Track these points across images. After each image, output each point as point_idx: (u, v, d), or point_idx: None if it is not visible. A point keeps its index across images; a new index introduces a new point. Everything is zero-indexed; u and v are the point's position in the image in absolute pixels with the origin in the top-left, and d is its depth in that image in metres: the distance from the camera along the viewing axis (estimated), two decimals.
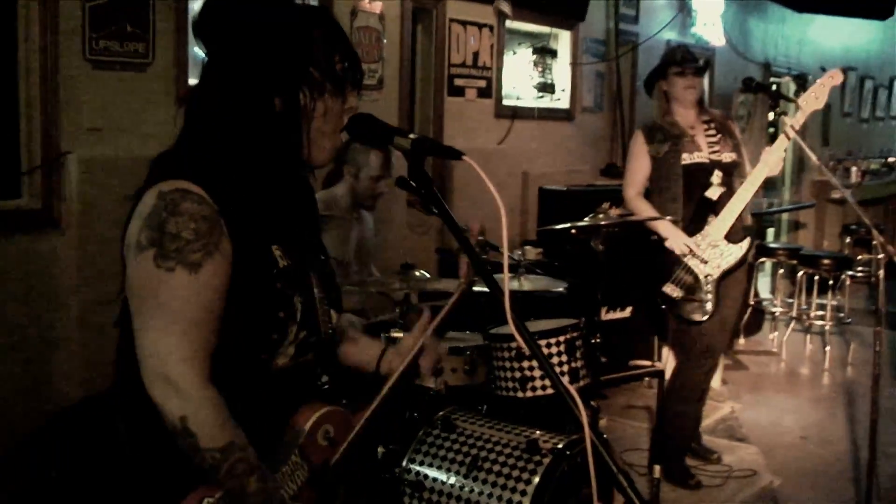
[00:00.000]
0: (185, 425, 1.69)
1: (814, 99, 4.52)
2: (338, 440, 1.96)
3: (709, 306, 4.60)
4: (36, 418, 3.87)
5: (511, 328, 1.69)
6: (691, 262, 4.61)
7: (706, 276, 4.60)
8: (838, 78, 4.61)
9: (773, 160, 4.52)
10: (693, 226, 4.63)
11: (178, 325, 1.71)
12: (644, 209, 4.71)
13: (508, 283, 1.87)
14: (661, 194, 4.73)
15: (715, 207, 4.62)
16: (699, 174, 4.64)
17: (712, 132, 4.73)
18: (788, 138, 4.47)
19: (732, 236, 4.62)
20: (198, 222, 1.72)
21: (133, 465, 1.87)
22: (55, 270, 4.02)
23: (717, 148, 4.69)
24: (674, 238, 4.62)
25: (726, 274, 4.63)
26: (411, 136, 1.84)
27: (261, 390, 1.86)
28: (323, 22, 1.88)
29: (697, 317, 4.64)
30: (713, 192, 4.63)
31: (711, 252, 4.60)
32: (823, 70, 4.77)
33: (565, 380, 3.76)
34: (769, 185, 9.50)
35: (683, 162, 4.65)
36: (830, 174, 4.39)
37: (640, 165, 4.79)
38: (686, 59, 4.76)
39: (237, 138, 1.83)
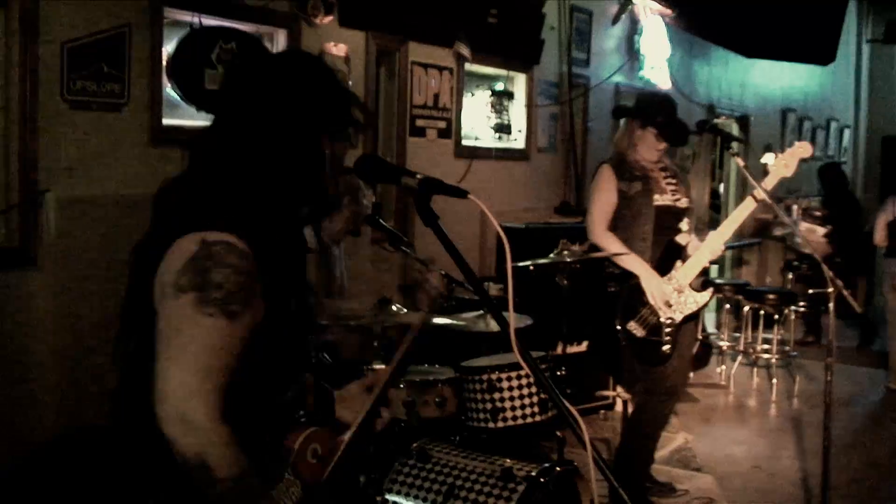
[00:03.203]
0: (201, 460, 1.79)
1: (783, 166, 4.71)
2: (325, 458, 2.09)
3: (666, 348, 4.65)
4: (10, 455, 3.89)
5: (517, 356, 1.81)
6: (657, 304, 4.65)
7: (668, 319, 4.65)
8: (808, 150, 4.77)
9: (742, 220, 4.75)
10: (660, 268, 4.69)
11: (204, 367, 1.82)
12: (615, 246, 4.69)
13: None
14: (629, 232, 4.73)
15: (682, 254, 4.72)
16: (665, 216, 4.72)
17: (671, 178, 4.83)
18: (756, 200, 4.66)
19: (696, 284, 4.71)
20: (242, 276, 1.85)
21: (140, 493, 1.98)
22: (32, 308, 4.06)
23: (678, 195, 4.78)
24: (649, 280, 4.63)
25: (686, 319, 4.72)
26: (418, 175, 1.97)
27: (271, 419, 2.02)
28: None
29: (655, 359, 4.69)
30: (682, 239, 4.73)
31: (676, 297, 4.66)
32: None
33: (535, 409, 3.90)
34: (714, 224, 9.78)
35: (655, 203, 4.71)
36: (783, 214, 4.58)
37: (608, 200, 4.76)
38: (672, 131, 4.79)
39: (270, 184, 1.99)
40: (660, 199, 4.73)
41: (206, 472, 1.80)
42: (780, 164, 4.73)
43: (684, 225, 4.77)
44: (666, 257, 4.71)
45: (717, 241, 4.71)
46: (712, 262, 4.99)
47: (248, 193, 1.96)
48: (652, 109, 4.83)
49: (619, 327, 4.72)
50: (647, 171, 4.77)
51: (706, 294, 4.74)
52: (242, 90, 2.03)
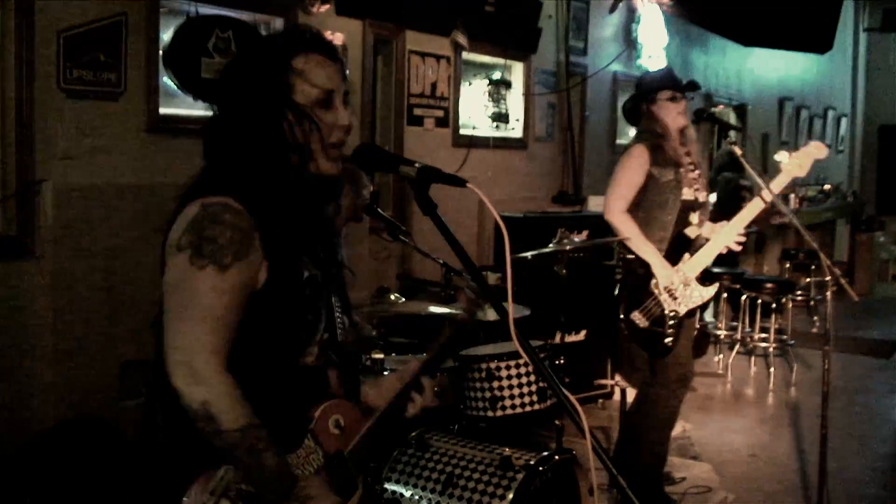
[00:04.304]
0: (206, 409, 1.87)
1: (797, 166, 4.64)
2: (348, 431, 2.15)
3: (668, 341, 4.60)
4: (9, 443, 3.89)
5: (516, 345, 1.81)
6: (662, 296, 4.59)
7: (672, 312, 4.59)
8: (823, 151, 4.70)
9: (750, 220, 4.69)
10: (669, 260, 4.61)
11: (204, 318, 1.91)
12: (633, 231, 4.58)
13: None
14: (650, 218, 4.64)
15: (690, 246, 4.65)
16: (686, 211, 4.65)
17: (693, 168, 4.71)
18: (765, 202, 4.60)
19: (702, 278, 4.65)
20: (233, 231, 1.93)
21: (166, 450, 2.06)
22: (30, 297, 4.05)
23: (697, 186, 4.69)
24: (661, 270, 4.56)
25: (689, 313, 4.66)
26: (416, 164, 1.96)
27: (290, 385, 2.07)
28: (306, 48, 2.07)
29: (657, 351, 4.65)
30: (692, 232, 4.66)
31: (682, 290, 4.60)
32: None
33: (534, 398, 3.90)
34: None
35: (683, 196, 4.62)
36: (781, 203, 4.57)
37: (635, 181, 4.64)
38: (679, 82, 4.72)
39: (258, 157, 2.04)
40: (687, 194, 4.63)
41: (212, 423, 1.87)
42: (794, 164, 4.65)
43: (694, 218, 4.68)
44: (675, 249, 4.64)
45: (724, 239, 4.66)
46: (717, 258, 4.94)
47: (243, 166, 2.03)
48: (653, 79, 4.82)
49: (622, 317, 4.66)
50: (679, 159, 4.64)
51: (711, 289, 4.68)
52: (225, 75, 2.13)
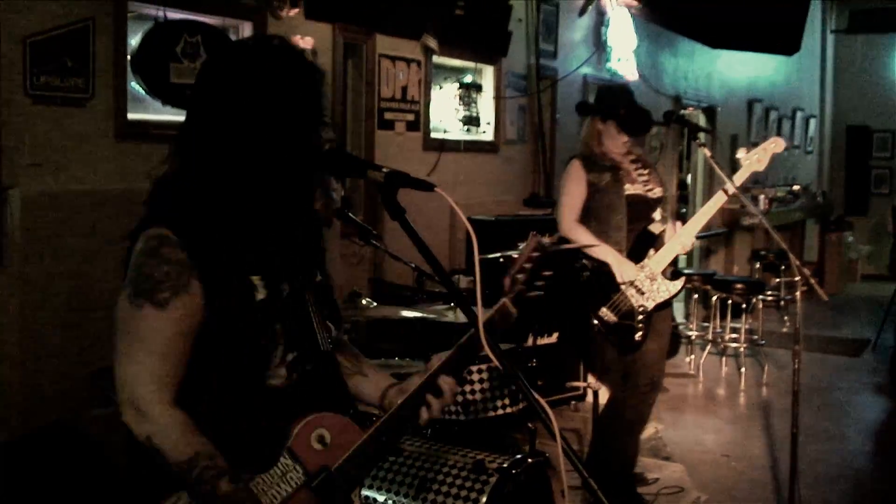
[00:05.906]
0: (151, 443, 1.90)
1: (756, 161, 4.76)
2: (336, 445, 2.03)
3: (638, 336, 4.65)
4: None
5: (486, 350, 1.81)
6: (629, 291, 4.65)
7: (640, 307, 4.65)
8: (780, 145, 4.82)
9: (712, 213, 4.78)
10: (633, 257, 4.68)
11: (148, 354, 1.92)
12: (585, 237, 4.69)
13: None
14: (602, 223, 4.72)
15: (656, 242, 4.72)
16: (638, 206, 4.71)
17: (641, 168, 4.81)
18: (727, 195, 4.68)
19: (668, 273, 4.72)
20: (169, 265, 1.92)
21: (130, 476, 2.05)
22: None
23: (650, 185, 4.78)
24: (619, 265, 4.63)
25: (658, 307, 4.73)
26: (384, 169, 1.96)
27: (254, 409, 2.00)
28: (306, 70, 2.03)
29: (628, 346, 4.69)
30: (656, 228, 4.73)
31: (648, 285, 4.66)
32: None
33: (506, 401, 3.91)
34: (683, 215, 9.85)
35: (626, 192, 4.70)
36: (750, 204, 4.62)
37: (578, 193, 4.76)
38: (633, 122, 4.76)
39: (244, 177, 1.99)
40: (631, 189, 4.72)
41: (160, 456, 1.90)
42: (753, 159, 4.78)
43: (657, 214, 4.77)
44: (639, 246, 4.71)
45: (688, 234, 4.73)
46: (684, 254, 5.01)
47: (215, 189, 1.98)
48: (611, 102, 4.84)
49: (591, 314, 4.70)
50: (616, 162, 4.75)
51: (678, 283, 4.76)
52: (222, 86, 2.00)
